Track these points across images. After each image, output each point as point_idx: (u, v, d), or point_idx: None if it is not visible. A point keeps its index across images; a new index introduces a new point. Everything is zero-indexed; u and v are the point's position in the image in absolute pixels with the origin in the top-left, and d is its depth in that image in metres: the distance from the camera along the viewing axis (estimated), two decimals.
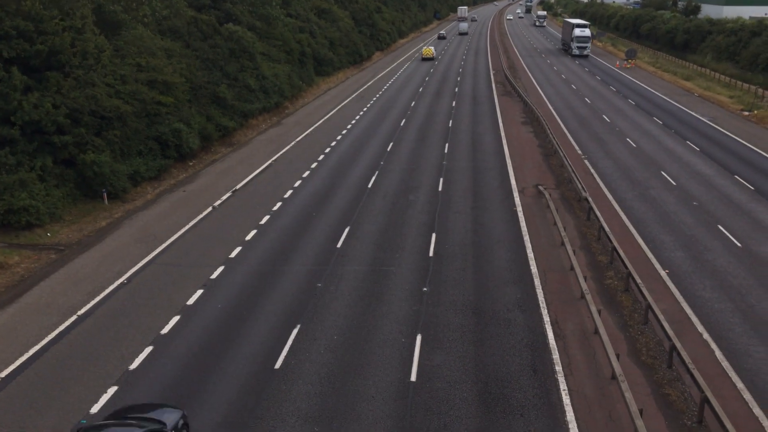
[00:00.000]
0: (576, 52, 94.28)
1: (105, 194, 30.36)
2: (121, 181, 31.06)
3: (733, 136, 44.64)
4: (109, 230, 27.88)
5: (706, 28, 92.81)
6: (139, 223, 28.73)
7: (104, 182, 30.17)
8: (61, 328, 19.67)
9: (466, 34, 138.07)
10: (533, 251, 25.17)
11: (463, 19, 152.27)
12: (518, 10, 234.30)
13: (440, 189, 33.09)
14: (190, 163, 37.92)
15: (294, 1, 72.41)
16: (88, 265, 24.25)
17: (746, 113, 53.04)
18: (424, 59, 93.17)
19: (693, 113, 52.81)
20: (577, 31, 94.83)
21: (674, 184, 33.89)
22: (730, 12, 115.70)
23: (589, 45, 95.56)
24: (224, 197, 32.09)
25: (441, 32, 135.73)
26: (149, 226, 28.31)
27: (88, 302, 21.28)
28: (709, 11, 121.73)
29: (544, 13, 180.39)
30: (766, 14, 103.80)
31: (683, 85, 69.00)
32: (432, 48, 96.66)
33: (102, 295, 21.81)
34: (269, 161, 38.90)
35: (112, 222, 28.88)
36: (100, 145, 30.45)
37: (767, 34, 74.01)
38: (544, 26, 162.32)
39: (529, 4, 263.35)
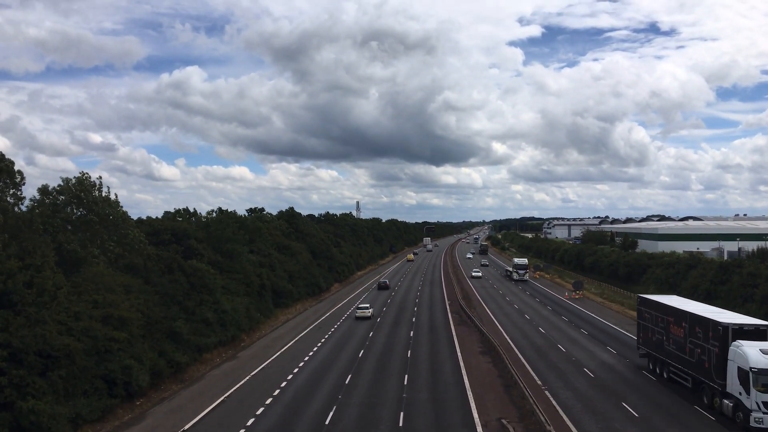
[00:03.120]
0: None
1: None
2: (61, 425, 28.83)
3: None
4: None
5: (645, 262, 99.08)
6: None
7: (41, 429, 28.00)
8: None
9: (431, 251, 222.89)
10: None
11: (428, 244, 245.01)
12: (469, 255, 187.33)
13: (401, 424, 31.77)
14: (138, 402, 35.98)
15: (257, 238, 75.54)
16: None
17: None
18: (409, 261, 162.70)
19: None
20: (755, 356, 30.40)
21: (637, 415, 33.38)
22: (665, 246, 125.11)
23: None
24: None
25: (415, 251, 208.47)
26: None
27: None
28: (645, 246, 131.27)
29: (525, 261, 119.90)
30: (697, 248, 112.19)
31: (631, 315, 71.21)
32: (413, 255, 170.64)
33: None
34: (222, 398, 37.23)
35: None
36: (42, 387, 28.81)
37: (702, 267, 79.19)
38: (526, 281, 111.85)
39: (483, 243, 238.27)
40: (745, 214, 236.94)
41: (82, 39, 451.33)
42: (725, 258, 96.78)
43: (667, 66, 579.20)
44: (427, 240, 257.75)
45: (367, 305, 71.26)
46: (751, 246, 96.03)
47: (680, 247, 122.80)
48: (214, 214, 71.50)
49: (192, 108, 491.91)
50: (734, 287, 67.84)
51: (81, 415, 30.58)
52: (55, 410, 28.80)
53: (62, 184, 45.85)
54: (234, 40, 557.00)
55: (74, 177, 46.68)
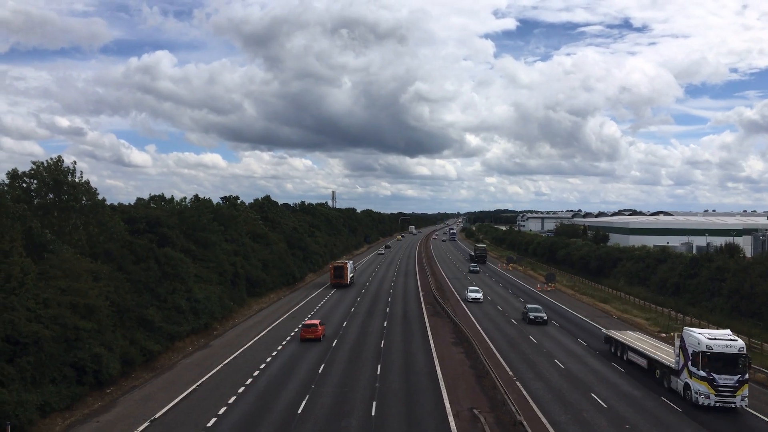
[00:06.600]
0: None
1: (8, 427, 27.66)
2: (29, 412, 28.45)
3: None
4: None
5: (617, 255, 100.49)
6: None
7: (8, 416, 27.58)
8: None
9: (415, 234, 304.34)
10: None
11: (413, 230, 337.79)
12: (473, 291, 77.38)
13: (374, 414, 31.91)
14: (108, 390, 35.60)
15: (231, 226, 74.91)
16: None
17: (663, 335, 55.55)
18: (398, 240, 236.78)
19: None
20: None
21: (605, 406, 33.99)
22: (636, 240, 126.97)
23: None
24: (141, 427, 29.79)
25: (403, 234, 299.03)
26: None
27: None
28: (617, 239, 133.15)
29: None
30: (667, 243, 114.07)
31: (602, 308, 72.51)
32: (401, 236, 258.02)
33: None
34: (194, 386, 37.00)
35: None
36: (10, 373, 28.39)
37: (671, 261, 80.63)
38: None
39: (480, 246, 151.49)
40: (713, 210, 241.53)
41: (47, 20, 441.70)
42: (694, 252, 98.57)
43: (638, 62, 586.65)
44: (412, 228, 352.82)
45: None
46: (719, 241, 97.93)
47: (651, 241, 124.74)
48: (188, 202, 70.58)
49: (161, 93, 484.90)
50: (702, 281, 69.25)
51: (49, 402, 30.17)
52: (23, 398, 28.39)
53: (34, 168, 44.92)
54: (203, 25, 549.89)
55: (47, 160, 45.80)
